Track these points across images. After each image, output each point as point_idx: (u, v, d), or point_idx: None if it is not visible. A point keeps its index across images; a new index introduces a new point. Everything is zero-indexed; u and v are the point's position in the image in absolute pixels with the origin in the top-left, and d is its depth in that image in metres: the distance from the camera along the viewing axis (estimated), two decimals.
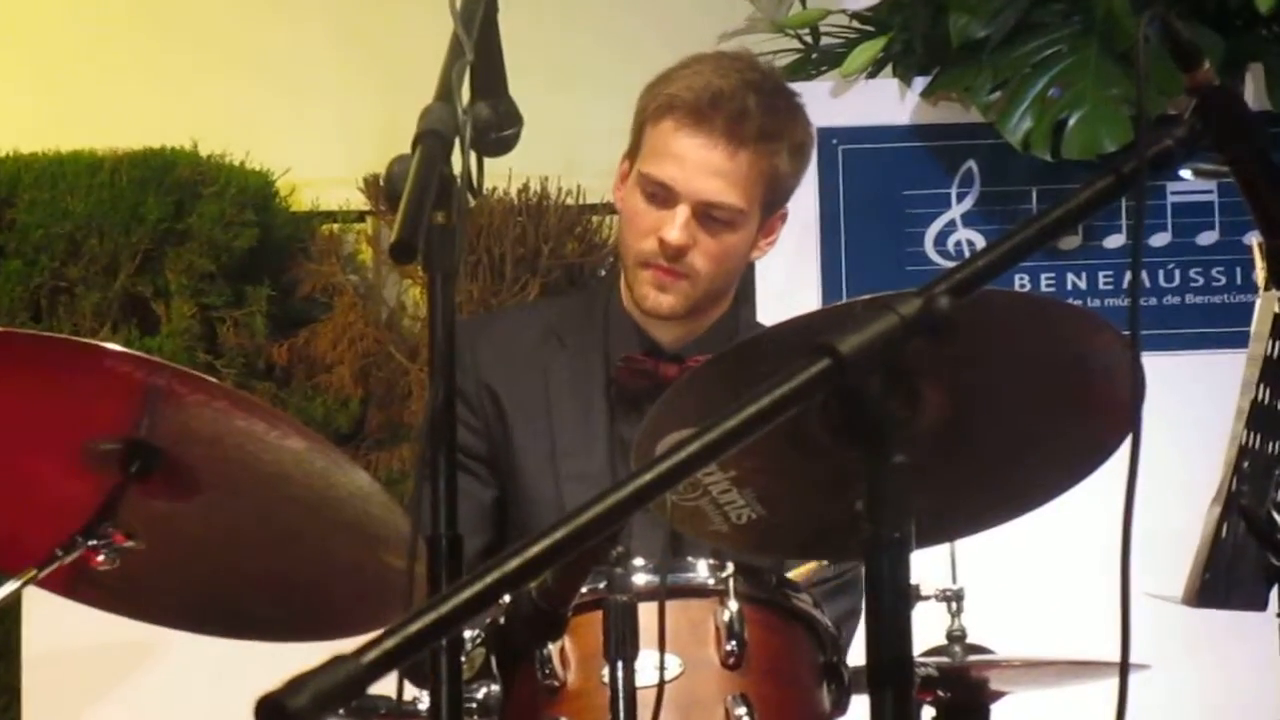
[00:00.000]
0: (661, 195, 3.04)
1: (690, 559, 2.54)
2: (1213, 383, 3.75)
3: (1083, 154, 4.09)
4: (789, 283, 4.18)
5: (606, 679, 2.35)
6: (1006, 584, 3.82)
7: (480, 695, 2.49)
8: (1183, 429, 3.86)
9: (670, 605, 2.37)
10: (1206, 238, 4.26)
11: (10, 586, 2.48)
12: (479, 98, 2.24)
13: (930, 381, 2.13)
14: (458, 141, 2.14)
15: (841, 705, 2.57)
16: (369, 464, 4.65)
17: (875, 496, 1.74)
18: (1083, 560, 3.87)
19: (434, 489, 2.10)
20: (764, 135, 3.02)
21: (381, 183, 3.51)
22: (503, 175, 4.75)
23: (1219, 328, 4.19)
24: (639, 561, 2.46)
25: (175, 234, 4.80)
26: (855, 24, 4.42)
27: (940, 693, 2.78)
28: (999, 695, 2.85)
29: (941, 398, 2.18)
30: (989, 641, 2.82)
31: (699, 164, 3.01)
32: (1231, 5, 4.19)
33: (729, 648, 2.48)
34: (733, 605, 2.48)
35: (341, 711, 2.41)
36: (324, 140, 4.98)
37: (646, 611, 2.34)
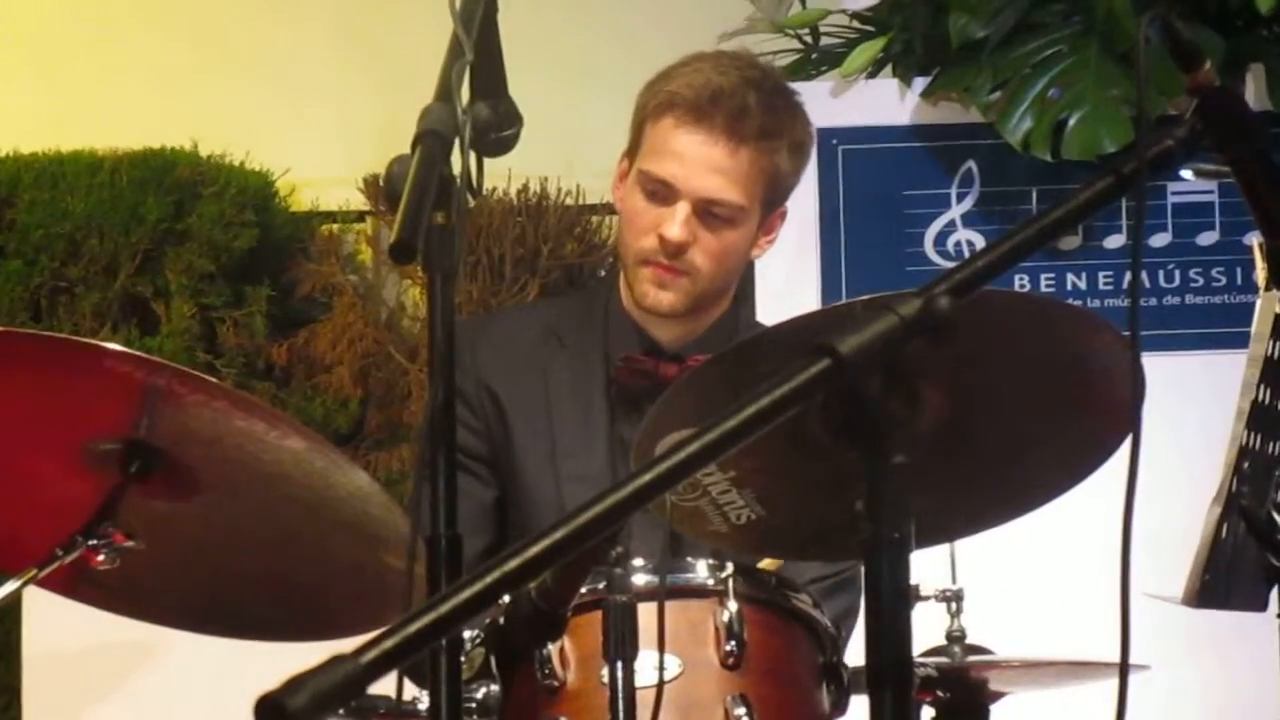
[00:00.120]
0: (662, 193, 3.04)
1: (690, 559, 2.54)
2: (1213, 383, 3.75)
3: (1083, 154, 4.09)
4: (788, 282, 4.18)
5: (606, 679, 2.35)
6: (1006, 584, 3.82)
7: (480, 695, 2.49)
8: (1183, 429, 3.86)
9: (670, 606, 2.37)
10: (1207, 238, 4.26)
11: (10, 586, 2.48)
12: (479, 98, 2.24)
13: (930, 382, 2.13)
14: (457, 142, 2.14)
15: (841, 705, 2.57)
16: (368, 464, 4.65)
17: (875, 497, 1.74)
18: (1082, 561, 3.87)
19: (433, 489, 2.10)
20: (764, 133, 3.02)
21: (381, 183, 3.51)
22: (502, 175, 4.75)
23: (1219, 328, 4.19)
24: (638, 562, 2.46)
25: (175, 234, 4.80)
26: (855, 24, 4.42)
27: (940, 693, 2.78)
28: (998, 696, 2.85)
29: (941, 398, 2.18)
30: (988, 642, 2.81)
31: (699, 161, 3.01)
32: (1232, 6, 4.19)
33: (728, 648, 2.48)
34: (732, 606, 2.48)
35: (341, 711, 2.42)
36: (324, 140, 4.98)
37: (646, 612, 2.34)
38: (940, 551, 2.68)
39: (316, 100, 5.02)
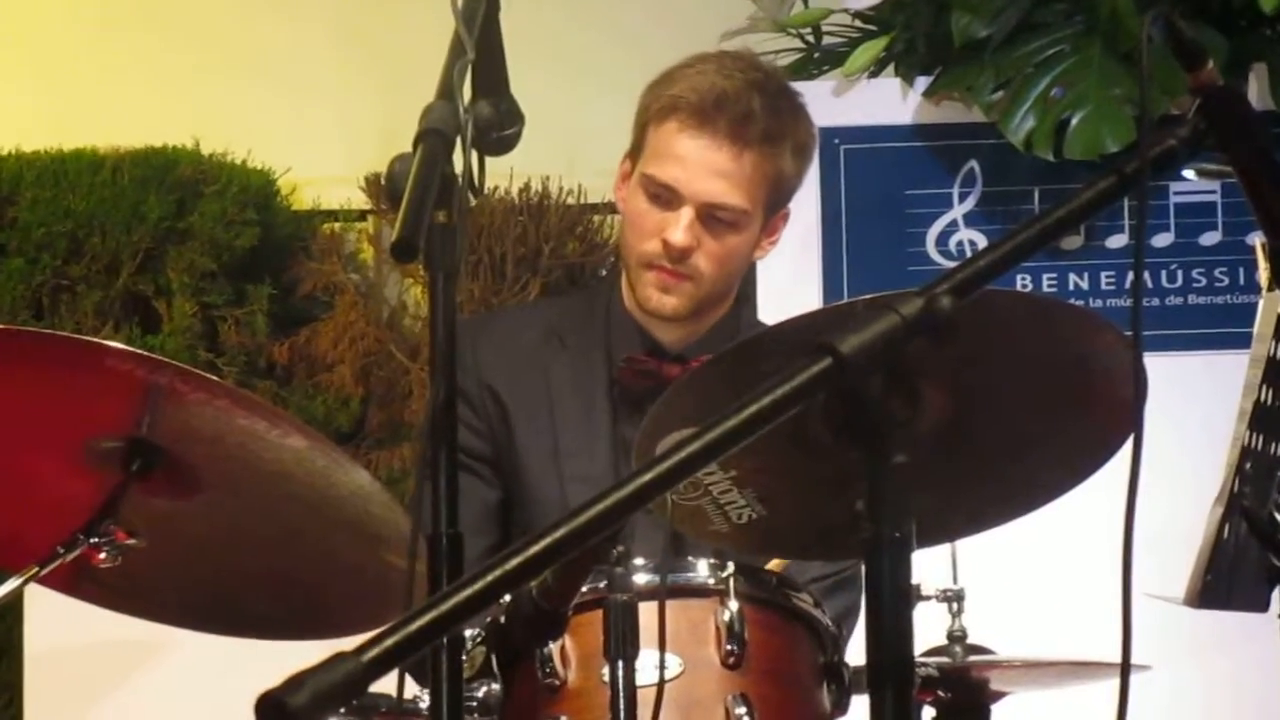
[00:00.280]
0: (665, 197, 3.04)
1: (691, 559, 2.54)
2: (1215, 383, 3.75)
3: (1085, 154, 4.09)
4: (790, 282, 4.18)
5: (607, 678, 2.35)
6: (1007, 584, 3.82)
7: (481, 694, 2.49)
8: (1185, 430, 3.86)
9: (670, 605, 2.37)
10: (1209, 238, 4.26)
11: (12, 584, 2.48)
12: (480, 96, 2.24)
13: (931, 381, 2.13)
14: (459, 140, 2.14)
15: (842, 705, 2.57)
16: (369, 463, 4.65)
17: (876, 496, 1.74)
18: (1084, 561, 3.87)
19: (434, 488, 2.10)
20: (768, 137, 3.02)
21: (383, 182, 3.51)
22: (504, 174, 4.75)
23: (1222, 328, 4.19)
24: (639, 561, 2.46)
25: (177, 232, 4.80)
26: (857, 23, 4.42)
27: (941, 693, 2.77)
28: (1000, 696, 2.85)
29: (943, 398, 2.18)
30: (990, 642, 2.81)
31: (703, 165, 3.01)
32: (1235, 5, 4.19)
33: (729, 647, 2.48)
34: (733, 605, 2.48)
35: (342, 710, 2.42)
36: (325, 139, 4.98)
37: (647, 611, 2.34)
38: (941, 551, 2.68)
39: (318, 99, 5.02)
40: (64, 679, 4.32)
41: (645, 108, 3.08)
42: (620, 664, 2.32)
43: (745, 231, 3.06)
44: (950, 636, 2.78)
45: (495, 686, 2.50)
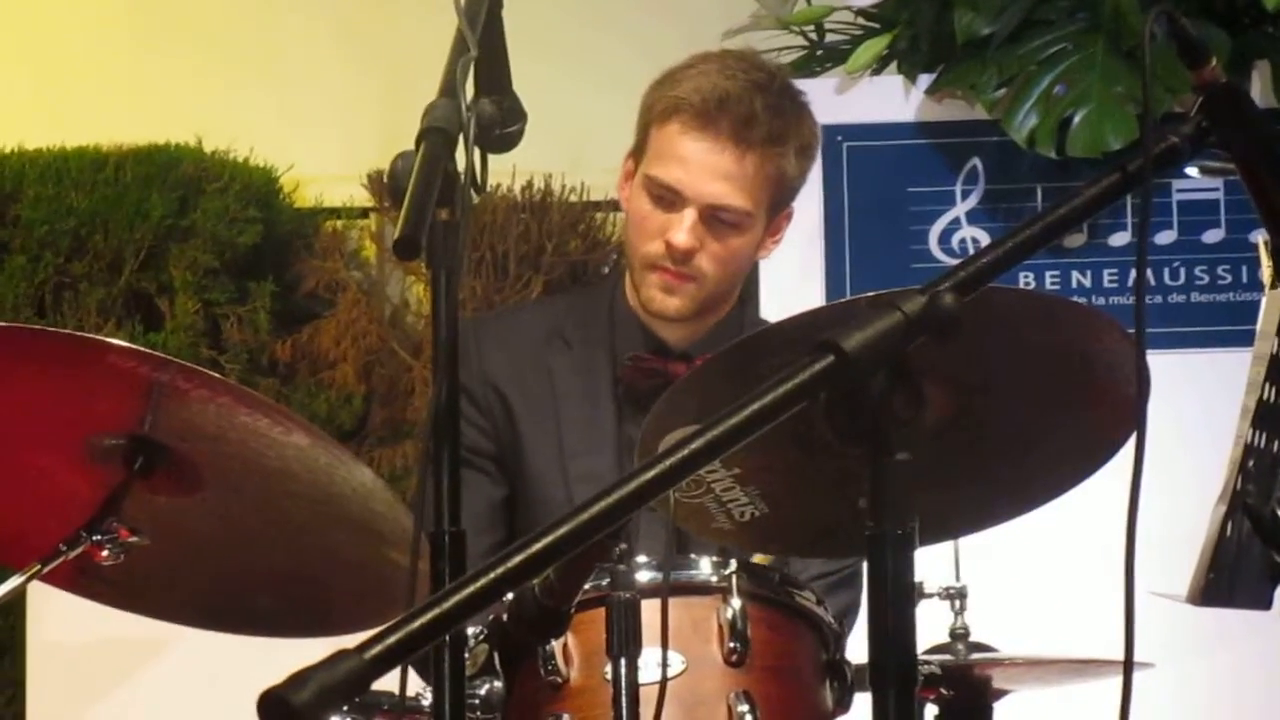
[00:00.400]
0: (668, 198, 3.03)
1: (693, 556, 2.54)
2: (1218, 381, 3.75)
3: (1088, 151, 4.09)
4: (793, 279, 4.18)
5: (609, 676, 2.35)
6: (1010, 582, 3.82)
7: (483, 692, 2.49)
8: (1188, 428, 3.86)
9: (673, 602, 2.37)
10: (1212, 236, 4.25)
11: (15, 581, 2.48)
12: (483, 94, 2.24)
13: (934, 379, 2.13)
14: (461, 138, 2.14)
15: (844, 703, 2.57)
16: (372, 460, 4.65)
17: (878, 494, 1.74)
18: (1087, 558, 3.86)
19: (437, 486, 2.10)
20: (771, 138, 3.02)
21: (385, 179, 3.51)
22: (506, 172, 4.75)
23: (1225, 326, 4.19)
24: (642, 559, 2.46)
25: (179, 230, 4.80)
26: (860, 21, 4.41)
27: (943, 691, 2.77)
28: (1002, 693, 2.85)
29: (946, 395, 2.18)
30: (992, 639, 2.81)
31: (706, 167, 3.01)
32: (1238, 3, 4.19)
33: (732, 645, 2.48)
34: (736, 603, 2.48)
35: (345, 707, 2.42)
36: (328, 137, 4.98)
37: (649, 608, 2.34)
38: (944, 549, 2.68)
39: (321, 97, 5.02)
40: (67, 676, 4.33)
41: (648, 108, 3.08)
42: (623, 662, 2.32)
43: (748, 232, 3.06)
44: (953, 634, 2.78)
45: (498, 684, 2.50)
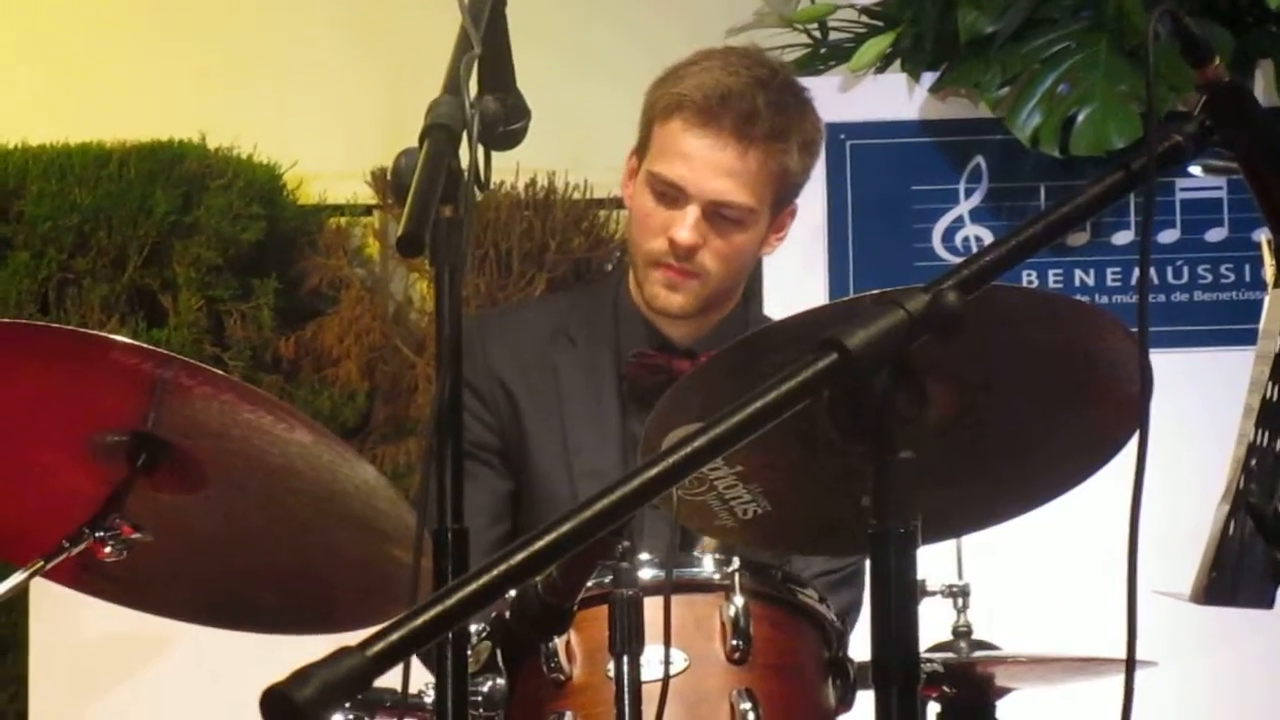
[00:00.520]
0: (671, 195, 3.03)
1: (696, 554, 2.54)
2: (1221, 380, 3.75)
3: (1091, 150, 4.09)
4: (796, 278, 4.18)
5: (612, 673, 2.35)
6: (1013, 580, 3.82)
7: (486, 689, 2.49)
8: (1191, 426, 3.86)
9: (676, 600, 2.37)
10: (1215, 234, 4.25)
11: (17, 578, 2.48)
12: (487, 91, 2.24)
13: (937, 377, 2.13)
14: (465, 135, 2.14)
15: (846, 701, 2.57)
16: (375, 458, 4.65)
17: (881, 492, 1.74)
18: (1089, 556, 3.86)
19: (440, 483, 2.10)
20: (774, 134, 3.02)
21: (389, 176, 3.51)
22: (510, 169, 4.75)
23: (1228, 325, 4.19)
24: (645, 556, 2.46)
25: (183, 226, 4.80)
26: (864, 19, 4.41)
27: (946, 689, 2.77)
28: (1005, 691, 2.85)
29: (949, 394, 2.18)
30: (995, 637, 2.81)
31: (708, 164, 3.01)
32: (1242, 2, 4.19)
33: (734, 643, 2.48)
34: (738, 600, 2.48)
35: (347, 704, 2.42)
36: (331, 134, 4.98)
37: (652, 606, 2.34)
38: (947, 547, 2.68)
39: (325, 94, 5.02)
40: (69, 673, 4.33)
41: (651, 105, 3.08)
42: (625, 659, 2.32)
43: (752, 229, 3.06)
44: (955, 632, 2.78)
45: (500, 681, 2.50)
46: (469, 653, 2.41)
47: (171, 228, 4.80)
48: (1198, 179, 4.17)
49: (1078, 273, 4.28)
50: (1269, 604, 2.63)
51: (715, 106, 3.00)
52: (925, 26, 4.29)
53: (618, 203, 4.45)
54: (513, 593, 2.38)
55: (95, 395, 2.44)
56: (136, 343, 2.41)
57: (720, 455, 1.63)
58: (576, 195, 4.82)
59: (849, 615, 2.95)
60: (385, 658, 1.50)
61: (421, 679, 2.47)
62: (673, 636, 2.34)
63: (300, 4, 5.09)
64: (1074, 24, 4.21)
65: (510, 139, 2.27)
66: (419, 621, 1.52)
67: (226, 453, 2.46)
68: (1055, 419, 2.31)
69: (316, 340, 4.84)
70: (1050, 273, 4.27)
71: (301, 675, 1.47)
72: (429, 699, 2.48)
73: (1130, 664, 1.79)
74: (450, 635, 2.07)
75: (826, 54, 4.42)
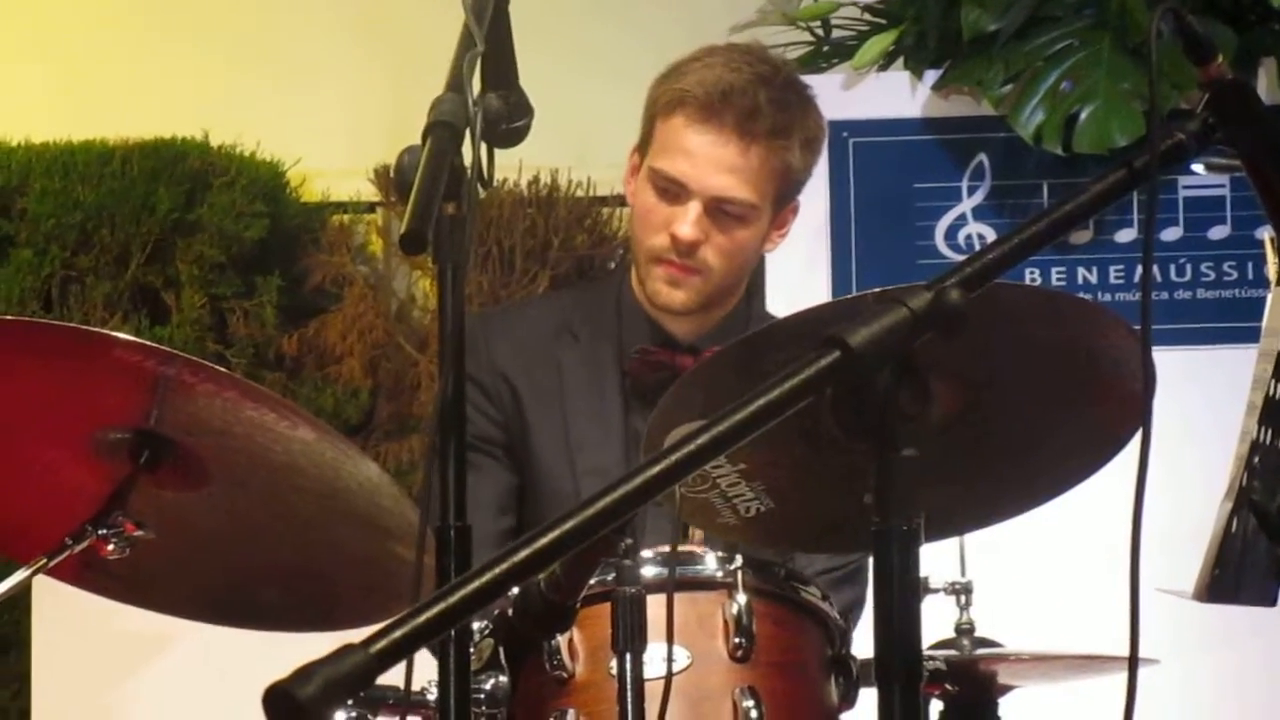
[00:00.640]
0: (673, 191, 3.04)
1: (699, 551, 2.54)
2: (1224, 378, 3.74)
3: (1094, 148, 4.09)
4: (799, 275, 4.18)
5: (615, 671, 2.35)
6: (1015, 577, 3.82)
7: (488, 687, 2.49)
8: (1194, 424, 3.86)
9: (679, 598, 2.37)
10: (1218, 232, 4.25)
11: (20, 575, 2.48)
12: (490, 89, 2.24)
13: (940, 375, 2.13)
14: (468, 132, 2.14)
15: (849, 698, 2.57)
16: (378, 455, 4.65)
17: (884, 489, 1.74)
18: (1092, 554, 3.86)
19: (443, 480, 2.10)
20: (776, 131, 3.02)
21: (392, 174, 3.50)
22: (513, 167, 4.75)
23: (1230, 323, 4.18)
24: (648, 554, 2.46)
25: (186, 224, 4.80)
26: (867, 16, 4.41)
27: (948, 686, 2.77)
28: (1008, 689, 2.85)
29: (951, 391, 2.18)
30: (998, 635, 2.81)
31: (710, 160, 3.01)
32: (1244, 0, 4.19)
33: (737, 640, 2.48)
34: (741, 598, 2.48)
35: (350, 701, 2.42)
36: (334, 131, 4.98)
37: (655, 604, 2.34)
38: (949, 544, 2.68)
39: (327, 91, 5.02)
40: (72, 670, 4.33)
41: (653, 101, 3.09)
42: (628, 657, 2.32)
43: (753, 225, 3.06)
44: (958, 630, 2.78)
45: (503, 679, 2.50)
46: (472, 650, 2.41)
47: (174, 225, 4.80)
48: (1200, 177, 4.17)
49: (1081, 270, 4.28)
50: (1272, 602, 2.63)
51: (717, 103, 3.00)
52: (928, 24, 4.29)
53: (621, 200, 4.45)
54: (515, 590, 2.38)
55: (98, 392, 2.44)
56: (139, 340, 2.41)
57: (723, 453, 1.63)
58: (579, 192, 4.82)
59: (852, 613, 2.95)
60: (388, 655, 1.50)
61: (424, 676, 2.47)
62: (675, 634, 2.34)
63: (303, 1, 5.09)
64: (1077, 22, 4.21)
65: (513, 136, 2.27)
66: (422, 619, 1.52)
67: (229, 450, 2.46)
68: (1058, 417, 2.31)
69: (319, 338, 4.84)
70: (1053, 270, 4.27)
71: (304, 673, 1.47)
72: (432, 696, 2.48)
73: (1133, 662, 1.79)
74: (453, 633, 2.07)
75: (829, 51, 4.42)
